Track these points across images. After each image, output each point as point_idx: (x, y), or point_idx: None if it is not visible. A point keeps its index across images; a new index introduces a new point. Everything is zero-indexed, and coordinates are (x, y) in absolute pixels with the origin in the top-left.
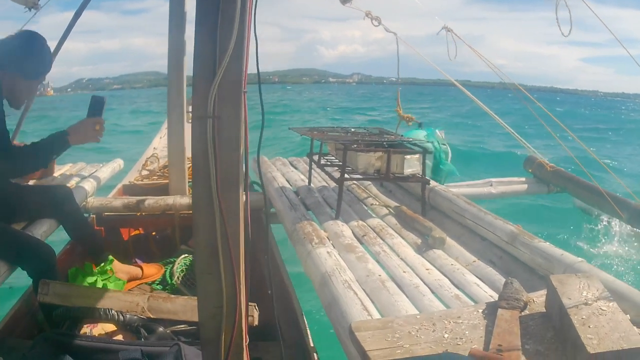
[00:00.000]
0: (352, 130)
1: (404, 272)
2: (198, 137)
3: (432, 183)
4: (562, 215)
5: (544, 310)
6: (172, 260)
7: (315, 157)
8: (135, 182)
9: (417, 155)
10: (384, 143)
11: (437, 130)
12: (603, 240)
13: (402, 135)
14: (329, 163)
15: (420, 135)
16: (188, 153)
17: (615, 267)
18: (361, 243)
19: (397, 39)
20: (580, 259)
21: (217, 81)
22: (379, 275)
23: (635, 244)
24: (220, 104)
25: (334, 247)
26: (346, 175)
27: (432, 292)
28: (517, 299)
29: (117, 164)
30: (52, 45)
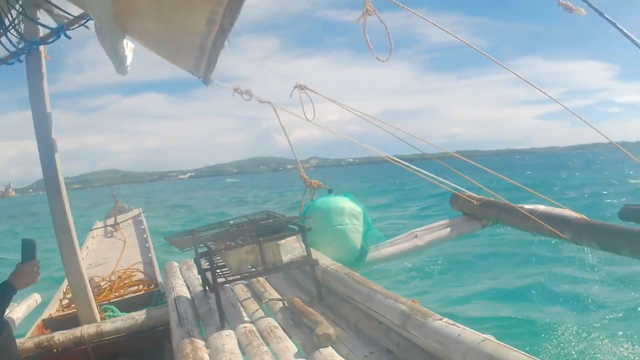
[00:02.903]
0: (231, 222)
1: None
2: None
3: (325, 262)
4: None
5: None
6: None
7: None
8: (54, 314)
9: (293, 237)
10: (253, 232)
11: None
12: None
13: (283, 215)
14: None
15: (347, 201)
16: (92, 273)
17: None
18: (244, 355)
19: (274, 108)
20: (483, 336)
21: None
22: None
23: None
24: None
25: None
26: (221, 279)
27: None
28: None
29: (33, 299)
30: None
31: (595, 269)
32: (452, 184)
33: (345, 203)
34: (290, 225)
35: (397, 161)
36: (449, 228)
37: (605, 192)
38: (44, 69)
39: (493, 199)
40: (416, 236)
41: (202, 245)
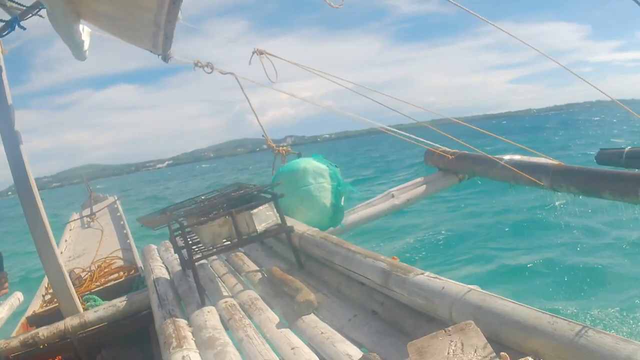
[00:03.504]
0: (203, 197)
1: None
2: None
3: (301, 228)
4: None
5: None
6: None
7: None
8: (37, 311)
9: (266, 205)
10: (224, 205)
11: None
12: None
13: (254, 185)
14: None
15: (310, 161)
16: (72, 265)
17: None
18: (227, 329)
19: (237, 78)
20: (469, 287)
21: None
22: None
23: None
24: None
25: (196, 344)
26: (198, 255)
27: None
28: None
29: (16, 298)
30: None
31: (602, 235)
32: (430, 142)
33: (307, 163)
34: (262, 194)
35: (389, 129)
36: (425, 185)
37: (592, 152)
38: (2, 63)
39: (467, 152)
40: (393, 196)
41: (175, 222)
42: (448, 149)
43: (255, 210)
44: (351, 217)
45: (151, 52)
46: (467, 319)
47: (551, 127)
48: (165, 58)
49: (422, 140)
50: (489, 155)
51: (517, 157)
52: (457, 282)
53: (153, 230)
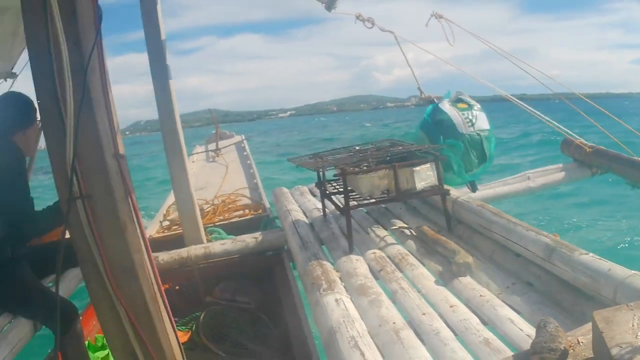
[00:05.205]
0: (357, 148)
1: (424, 314)
2: (73, 223)
3: (455, 193)
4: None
5: (592, 356)
6: (197, 315)
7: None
8: (154, 235)
9: (428, 165)
10: (387, 158)
11: (445, 100)
12: None
13: (412, 144)
14: (335, 190)
15: (423, 119)
16: (203, 195)
17: None
18: (377, 279)
19: (396, 36)
20: (633, 272)
21: (70, 153)
22: (393, 324)
23: None
24: (87, 179)
25: (346, 290)
26: (353, 203)
27: (457, 335)
28: (553, 350)
29: None
30: None
31: None
32: (566, 129)
33: (420, 128)
34: (419, 153)
35: (519, 103)
36: (563, 172)
37: None
38: None
39: (604, 148)
40: (529, 178)
41: (329, 168)
42: (585, 141)
43: (417, 168)
44: (485, 192)
45: None
46: (630, 302)
47: None
48: (330, 6)
49: (557, 124)
50: (628, 157)
51: None
52: (621, 266)
53: (312, 170)
